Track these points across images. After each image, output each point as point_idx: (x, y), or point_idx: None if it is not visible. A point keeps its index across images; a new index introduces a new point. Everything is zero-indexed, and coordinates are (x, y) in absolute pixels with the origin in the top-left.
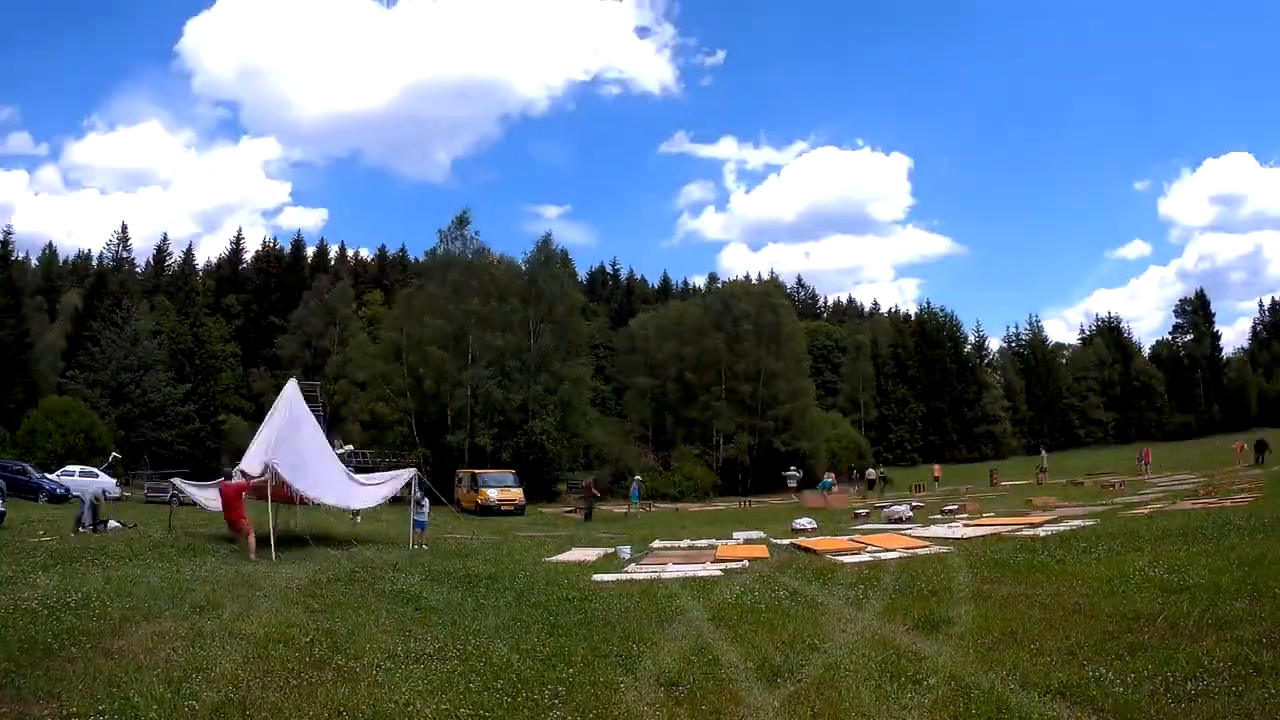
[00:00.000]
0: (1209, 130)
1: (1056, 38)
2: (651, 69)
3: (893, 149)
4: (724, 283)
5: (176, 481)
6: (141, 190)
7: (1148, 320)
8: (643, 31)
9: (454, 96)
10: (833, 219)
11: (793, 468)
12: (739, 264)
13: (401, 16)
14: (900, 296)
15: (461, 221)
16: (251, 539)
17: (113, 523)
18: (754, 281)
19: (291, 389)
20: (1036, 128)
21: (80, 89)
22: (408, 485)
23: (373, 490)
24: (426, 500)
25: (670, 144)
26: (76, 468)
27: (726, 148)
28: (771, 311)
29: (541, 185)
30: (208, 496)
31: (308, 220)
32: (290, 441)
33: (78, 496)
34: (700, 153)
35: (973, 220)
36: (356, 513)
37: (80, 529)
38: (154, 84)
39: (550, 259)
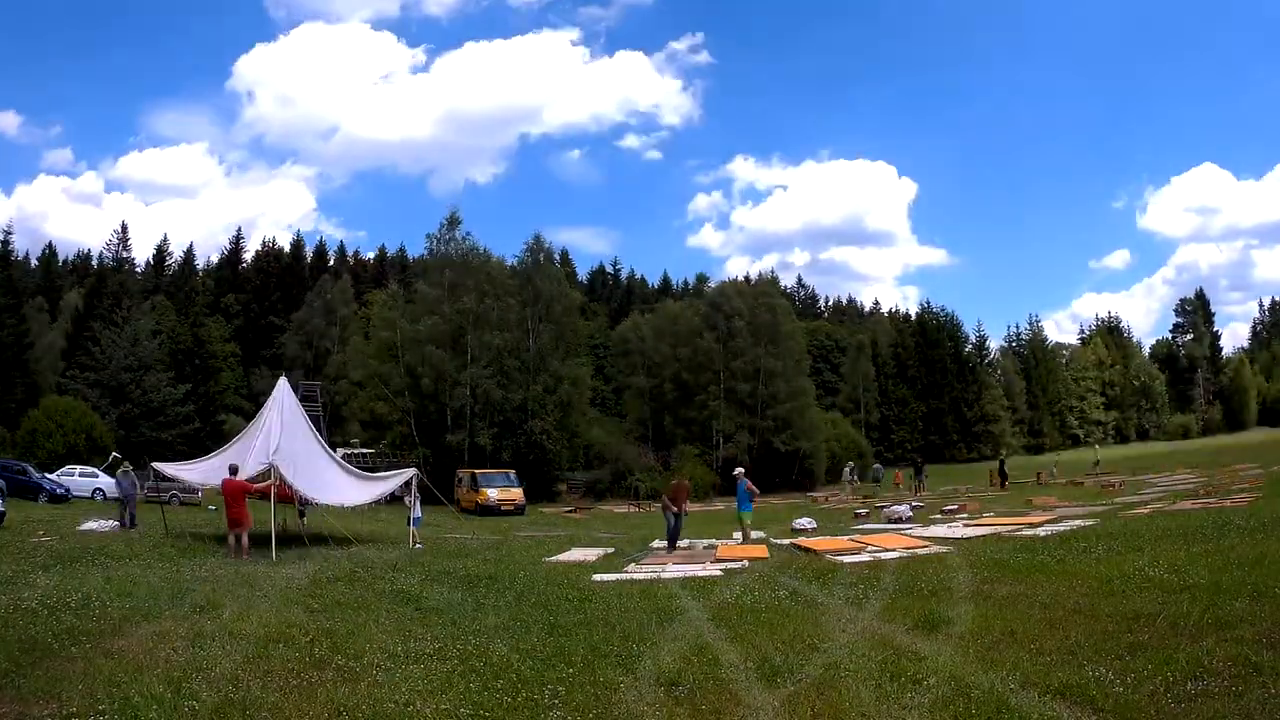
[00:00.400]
0: (1182, 148)
1: (1035, 68)
2: (677, 105)
3: (890, 166)
4: (718, 283)
5: (156, 466)
6: (182, 205)
7: (1133, 328)
8: (682, 83)
9: (488, 125)
10: (835, 232)
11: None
12: (743, 273)
13: (447, 61)
14: (901, 300)
15: (452, 222)
16: (245, 539)
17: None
18: (751, 281)
19: (283, 388)
20: (1020, 149)
21: (130, 108)
22: (407, 484)
23: (371, 487)
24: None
25: (688, 165)
26: (77, 468)
27: (739, 168)
28: (768, 310)
29: (567, 204)
30: (190, 472)
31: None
32: (286, 442)
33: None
34: (715, 173)
35: (966, 234)
36: (303, 513)
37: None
38: (205, 107)
39: (548, 258)
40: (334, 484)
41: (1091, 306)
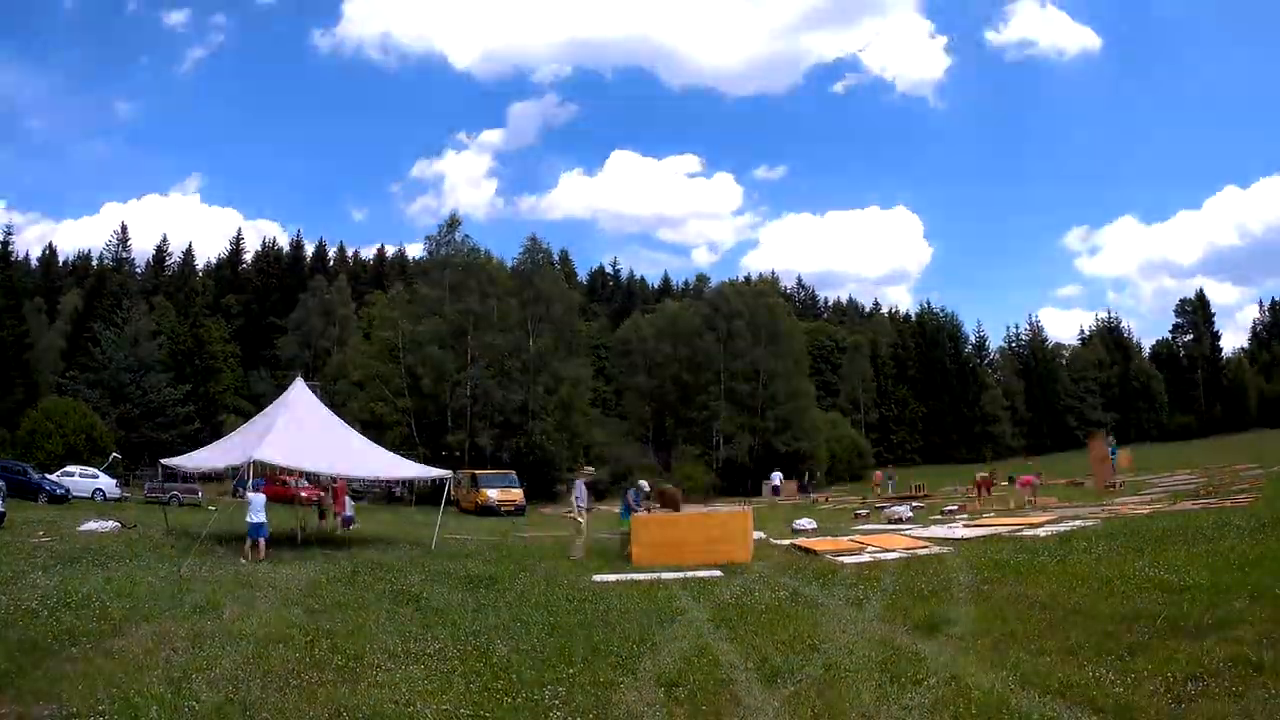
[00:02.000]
0: (1107, 201)
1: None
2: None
3: (875, 218)
4: (717, 283)
5: (165, 462)
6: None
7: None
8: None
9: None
10: (832, 276)
11: (777, 472)
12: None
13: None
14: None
15: (452, 224)
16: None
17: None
18: (751, 282)
19: (298, 387)
20: (983, 198)
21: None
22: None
23: (400, 466)
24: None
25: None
26: (76, 468)
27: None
28: (767, 311)
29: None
30: (199, 464)
31: None
32: (299, 436)
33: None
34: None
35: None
36: (323, 514)
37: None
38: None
39: (546, 259)
40: (362, 460)
41: (1053, 317)
